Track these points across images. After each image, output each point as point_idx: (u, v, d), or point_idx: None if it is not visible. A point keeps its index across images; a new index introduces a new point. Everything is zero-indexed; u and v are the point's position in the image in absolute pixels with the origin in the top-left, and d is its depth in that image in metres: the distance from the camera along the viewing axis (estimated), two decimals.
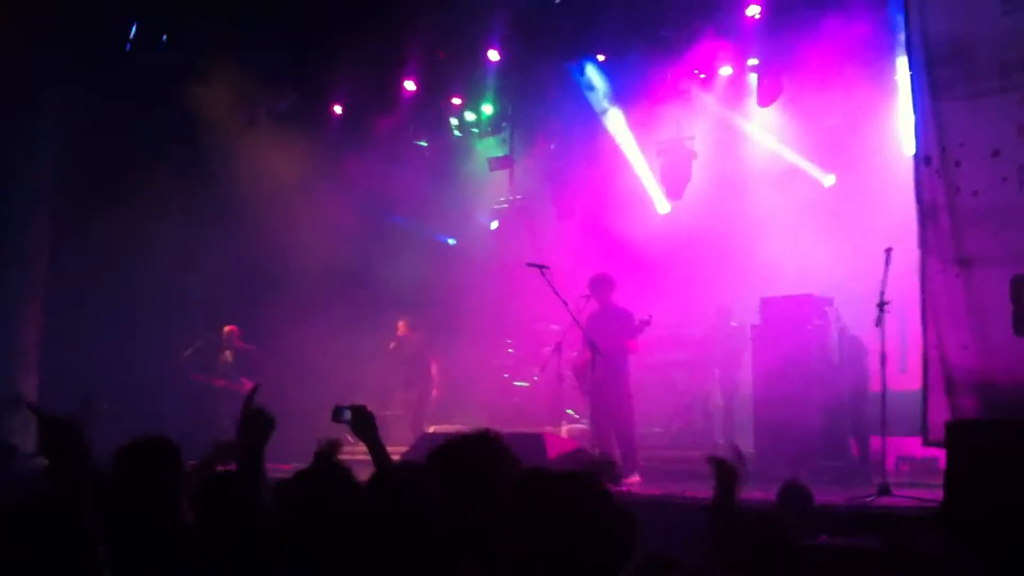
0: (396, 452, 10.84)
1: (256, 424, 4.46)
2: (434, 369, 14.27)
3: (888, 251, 9.09)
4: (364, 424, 4.54)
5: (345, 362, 14.32)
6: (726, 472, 4.42)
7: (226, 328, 14.19)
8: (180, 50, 14.02)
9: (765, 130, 14.04)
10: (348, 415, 4.57)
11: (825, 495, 8.12)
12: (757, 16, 12.94)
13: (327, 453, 4.09)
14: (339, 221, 14.88)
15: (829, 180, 13.45)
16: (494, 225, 16.79)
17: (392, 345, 14.50)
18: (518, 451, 9.59)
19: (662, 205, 14.89)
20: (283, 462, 5.73)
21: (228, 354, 14.08)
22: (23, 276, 14.30)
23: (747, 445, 11.45)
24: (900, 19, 9.97)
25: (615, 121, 15.07)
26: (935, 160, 9.08)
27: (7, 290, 14.05)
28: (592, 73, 14.80)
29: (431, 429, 12.82)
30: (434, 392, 14.25)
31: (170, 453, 4.31)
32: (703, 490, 9.37)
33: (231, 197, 14.52)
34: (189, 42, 13.88)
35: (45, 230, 14.50)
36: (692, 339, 13.10)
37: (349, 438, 4.51)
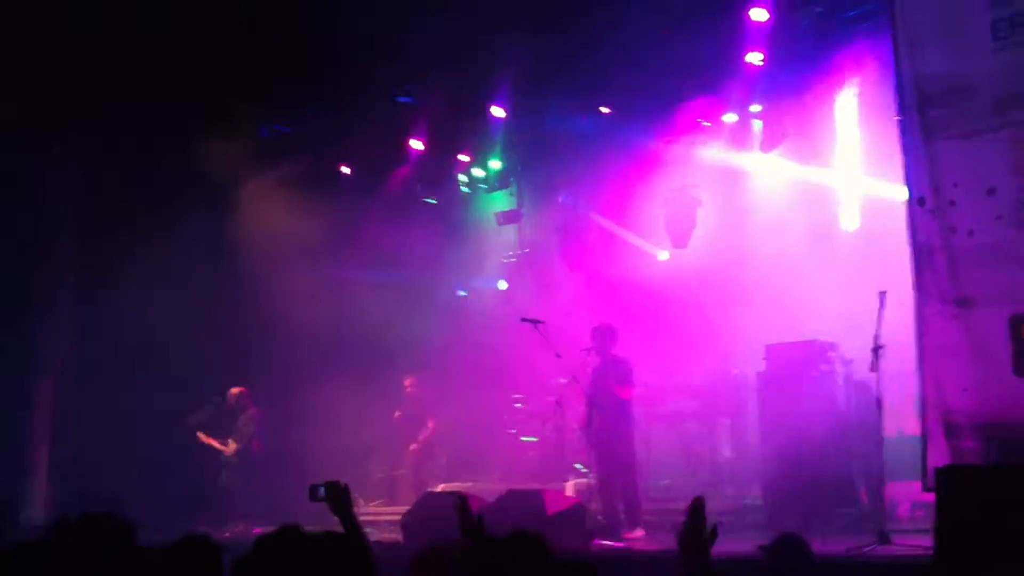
0: (399, 512, 10.86)
1: None
2: (428, 429, 14.17)
3: (882, 294, 8.97)
4: (339, 500, 4.52)
5: (357, 420, 14.27)
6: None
7: (233, 390, 13.99)
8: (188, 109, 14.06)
9: (772, 175, 13.95)
10: (322, 492, 4.58)
11: (828, 545, 7.95)
12: (759, 63, 12.91)
13: None
14: (349, 279, 14.95)
15: (852, 225, 13.25)
16: (503, 285, 16.72)
17: (399, 409, 14.43)
18: (517, 508, 9.53)
19: (664, 253, 14.78)
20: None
21: (234, 419, 13.92)
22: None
23: (756, 495, 11.32)
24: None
25: (621, 171, 15.03)
26: (929, 201, 8.96)
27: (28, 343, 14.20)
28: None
29: (439, 488, 12.70)
30: (415, 447, 14.18)
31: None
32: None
33: (240, 257, 14.60)
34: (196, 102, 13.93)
35: (70, 294, 14.66)
36: (696, 389, 12.93)
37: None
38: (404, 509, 11.16)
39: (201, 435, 13.68)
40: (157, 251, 13.93)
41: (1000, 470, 6.94)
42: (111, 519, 4.36)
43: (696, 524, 4.27)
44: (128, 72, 12.83)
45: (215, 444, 13.73)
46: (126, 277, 13.66)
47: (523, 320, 10.68)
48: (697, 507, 4.33)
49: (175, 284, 14.21)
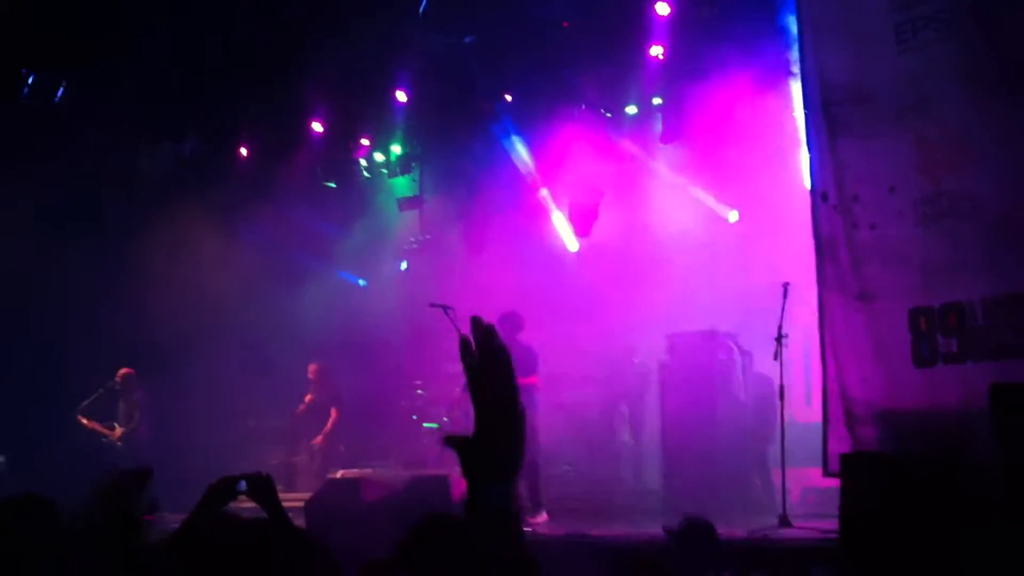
0: (302, 499, 10.76)
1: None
2: (332, 419, 13.89)
3: (786, 285, 9.19)
4: (263, 492, 4.42)
5: (253, 406, 14.10)
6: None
7: (121, 371, 13.26)
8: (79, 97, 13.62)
9: (671, 167, 14.14)
10: (243, 486, 4.48)
11: (729, 528, 8.11)
12: (660, 56, 13.05)
13: None
14: (248, 265, 14.70)
15: (733, 216, 13.56)
16: (404, 266, 16.66)
17: (308, 397, 14.19)
18: (424, 493, 9.48)
19: (571, 243, 14.92)
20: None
21: (122, 403, 13.32)
22: None
23: (655, 481, 11.52)
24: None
25: (524, 160, 15.09)
26: (832, 196, 9.14)
27: None
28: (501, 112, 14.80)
29: (339, 474, 12.59)
30: (319, 440, 13.81)
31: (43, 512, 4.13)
32: (609, 530, 9.39)
33: (133, 243, 14.22)
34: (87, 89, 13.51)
35: None
36: (598, 377, 13.09)
37: None
38: (304, 496, 11.03)
39: (83, 420, 13.09)
40: (43, 234, 13.44)
41: (904, 458, 7.14)
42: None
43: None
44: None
45: (99, 428, 13.19)
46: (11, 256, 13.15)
47: (432, 305, 10.64)
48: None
49: (64, 264, 13.74)
